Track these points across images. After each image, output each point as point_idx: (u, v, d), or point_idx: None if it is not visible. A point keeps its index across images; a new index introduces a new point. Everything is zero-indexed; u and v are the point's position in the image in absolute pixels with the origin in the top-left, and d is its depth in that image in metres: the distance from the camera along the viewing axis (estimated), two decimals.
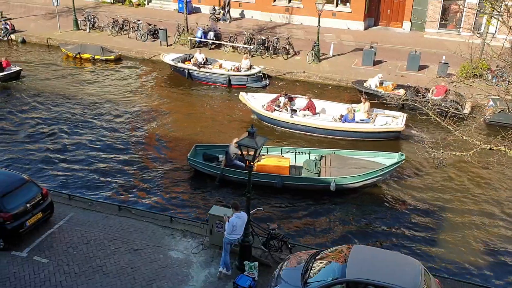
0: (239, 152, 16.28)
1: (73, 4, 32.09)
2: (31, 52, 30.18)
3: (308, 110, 20.40)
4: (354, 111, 19.90)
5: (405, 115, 19.94)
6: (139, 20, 31.86)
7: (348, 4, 32.65)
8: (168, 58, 26.46)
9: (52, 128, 20.43)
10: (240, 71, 24.99)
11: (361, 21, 32.53)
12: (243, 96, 21.49)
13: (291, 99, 21.29)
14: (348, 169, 16.27)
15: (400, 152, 16.61)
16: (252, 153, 11.06)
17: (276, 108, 20.47)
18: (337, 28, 32.69)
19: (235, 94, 23.27)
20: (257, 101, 21.13)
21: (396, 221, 15.11)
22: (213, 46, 29.52)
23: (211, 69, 25.48)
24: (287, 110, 20.33)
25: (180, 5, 34.91)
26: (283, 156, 17.23)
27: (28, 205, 12.57)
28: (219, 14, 34.43)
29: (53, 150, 18.72)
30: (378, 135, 19.58)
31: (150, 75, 27.06)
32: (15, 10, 36.77)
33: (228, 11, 34.47)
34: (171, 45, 29.82)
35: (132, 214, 14.22)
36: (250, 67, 25.18)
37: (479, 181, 17.16)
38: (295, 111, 20.65)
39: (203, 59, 25.92)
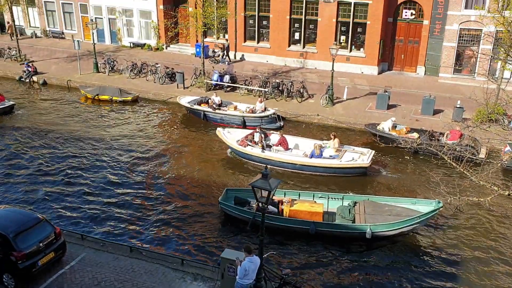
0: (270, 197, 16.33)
1: (94, 48, 33.18)
2: (50, 93, 31.00)
3: (280, 145, 21.19)
4: (321, 146, 20.49)
5: (373, 152, 20.47)
6: (157, 64, 32.70)
7: (362, 49, 33.16)
8: (184, 100, 26.95)
9: (67, 166, 20.67)
10: (255, 113, 25.28)
11: (375, 65, 32.93)
12: (219, 131, 22.27)
13: (266, 135, 22.10)
14: (384, 216, 15.86)
15: (436, 200, 15.96)
16: (265, 195, 11.01)
17: (249, 143, 21.19)
18: (351, 72, 33.09)
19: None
20: (232, 136, 21.94)
21: (418, 271, 14.58)
22: (228, 89, 30.03)
23: (226, 111, 25.83)
24: (259, 146, 21.05)
25: (198, 49, 35.84)
26: (315, 202, 16.93)
27: (41, 244, 12.57)
28: (218, 56, 35.81)
29: (68, 188, 18.84)
30: (344, 171, 20.06)
31: (166, 116, 27.49)
32: (38, 53, 38.08)
33: (227, 55, 35.68)
34: (187, 87, 30.41)
35: (143, 256, 14.09)
36: (265, 109, 25.47)
37: (500, 229, 16.72)
38: (270, 146, 21.43)
39: (219, 101, 26.37)
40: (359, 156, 20.21)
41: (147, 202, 18.13)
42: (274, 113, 25.44)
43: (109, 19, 40.33)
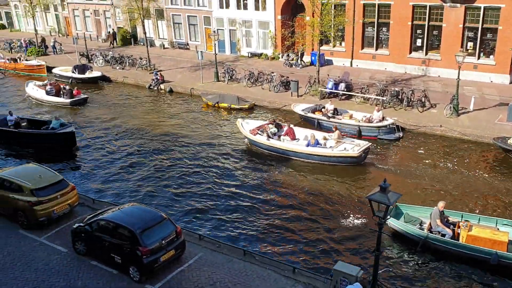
0: (441, 218, 15.28)
1: (215, 58, 34.86)
2: (175, 100, 33.18)
3: (287, 135, 23.12)
4: (325, 138, 22.36)
5: (368, 144, 21.66)
6: (273, 72, 33.35)
7: (491, 56, 30.52)
8: (299, 108, 27.08)
9: (185, 168, 21.82)
10: (372, 122, 24.50)
11: (507, 74, 30.08)
12: (239, 122, 24.95)
13: (279, 127, 24.19)
14: None
15: None
16: (383, 209, 10.54)
17: (259, 132, 23.49)
18: (479, 81, 30.61)
19: (373, 145, 22.93)
20: (248, 126, 24.37)
21: None
22: (343, 97, 29.56)
23: (341, 119, 25.40)
24: (267, 135, 23.14)
25: (313, 57, 35.90)
26: (498, 229, 15.14)
27: (163, 241, 13.34)
28: (292, 60, 37.55)
29: (186, 190, 19.86)
30: (334, 159, 21.49)
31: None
32: (166, 63, 41.04)
33: (301, 59, 37.52)
34: (301, 95, 30.54)
35: (256, 260, 14.30)
36: (383, 119, 24.56)
37: None
38: (280, 136, 23.37)
39: (333, 110, 26.04)
40: (352, 148, 21.33)
41: (262, 207, 18.42)
42: (392, 123, 24.42)
43: (229, 30, 42.15)
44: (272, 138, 23.05)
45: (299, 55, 37.58)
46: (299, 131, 23.48)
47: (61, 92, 32.64)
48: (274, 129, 23.66)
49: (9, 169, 17.77)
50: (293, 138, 23.15)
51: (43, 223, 15.91)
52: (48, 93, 32.77)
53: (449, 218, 15.65)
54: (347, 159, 21.17)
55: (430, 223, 15.40)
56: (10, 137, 24.93)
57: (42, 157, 22.85)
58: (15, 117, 25.50)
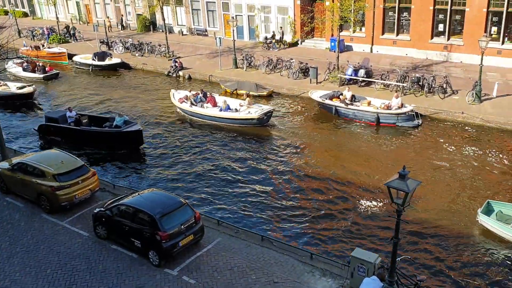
0: None
1: (234, 45, 34.75)
2: (193, 87, 33.19)
3: (209, 103, 26.39)
4: (241, 105, 25.55)
5: (270, 108, 25.40)
6: (291, 59, 33.12)
7: None
8: (316, 95, 26.89)
9: (205, 156, 21.98)
10: (391, 109, 24.21)
11: None
12: (172, 92, 28.32)
13: (206, 96, 27.10)
14: None
15: None
16: (402, 196, 10.46)
17: (185, 100, 26.82)
18: (503, 67, 29.86)
19: (386, 134, 22.71)
20: (178, 95, 27.70)
21: None
22: (363, 84, 29.24)
23: (359, 106, 25.16)
24: (191, 102, 26.51)
25: (332, 43, 35.50)
26: None
27: (182, 226, 13.50)
28: (270, 43, 38.38)
29: (206, 176, 20.03)
30: (240, 121, 24.97)
31: (298, 111, 27.72)
32: (184, 50, 41.09)
33: (279, 41, 38.65)
34: (320, 82, 30.30)
35: (273, 246, 14.39)
36: (402, 106, 24.24)
37: None
38: (203, 104, 26.64)
39: (351, 96, 25.79)
40: (256, 111, 24.64)
41: (279, 193, 18.51)
42: (411, 110, 24.10)
43: (248, 16, 41.89)
44: (196, 105, 26.34)
45: (277, 38, 38.41)
46: (220, 99, 26.58)
47: (36, 69, 36.61)
48: (195, 96, 26.73)
49: (32, 155, 18.18)
50: (214, 105, 26.25)
51: (65, 207, 16.27)
52: (24, 69, 36.99)
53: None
54: (251, 121, 24.57)
55: None
56: (70, 135, 23.23)
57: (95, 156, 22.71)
58: (75, 113, 23.91)
